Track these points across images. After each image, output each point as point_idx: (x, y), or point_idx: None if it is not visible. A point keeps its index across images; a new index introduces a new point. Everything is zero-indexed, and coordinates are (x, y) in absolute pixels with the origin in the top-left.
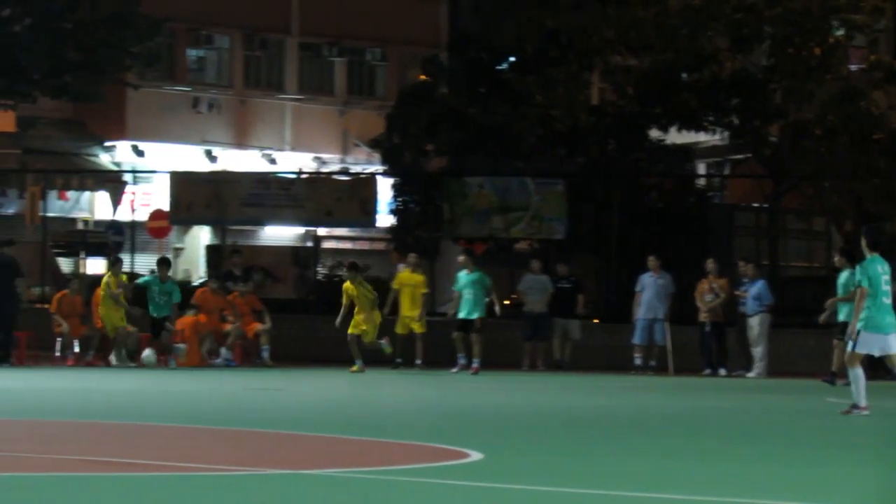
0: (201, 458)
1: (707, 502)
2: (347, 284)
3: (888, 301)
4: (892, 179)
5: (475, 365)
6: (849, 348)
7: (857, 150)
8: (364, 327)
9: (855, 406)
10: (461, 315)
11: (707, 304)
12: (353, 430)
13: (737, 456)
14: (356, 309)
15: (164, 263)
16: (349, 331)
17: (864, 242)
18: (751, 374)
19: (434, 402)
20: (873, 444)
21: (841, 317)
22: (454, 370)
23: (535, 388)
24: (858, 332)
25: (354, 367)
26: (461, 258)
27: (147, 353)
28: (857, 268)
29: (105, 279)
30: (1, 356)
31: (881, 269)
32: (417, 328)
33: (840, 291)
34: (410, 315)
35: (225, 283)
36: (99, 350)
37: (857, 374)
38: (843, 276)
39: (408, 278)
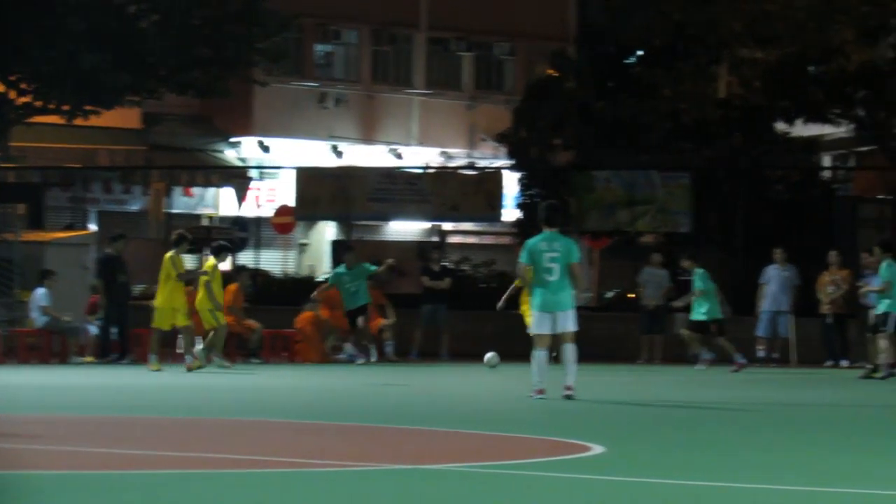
0: (323, 454)
1: (828, 494)
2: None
3: (551, 278)
4: None
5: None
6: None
7: None
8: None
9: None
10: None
11: (829, 296)
12: (476, 425)
13: (859, 448)
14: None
15: (348, 250)
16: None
17: (539, 217)
18: None
19: (556, 395)
20: None
21: (880, 309)
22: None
23: (654, 381)
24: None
25: (195, 363)
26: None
27: (489, 356)
28: (525, 243)
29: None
30: (119, 354)
31: (546, 245)
32: None
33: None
34: None
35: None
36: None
37: (538, 355)
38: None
39: None
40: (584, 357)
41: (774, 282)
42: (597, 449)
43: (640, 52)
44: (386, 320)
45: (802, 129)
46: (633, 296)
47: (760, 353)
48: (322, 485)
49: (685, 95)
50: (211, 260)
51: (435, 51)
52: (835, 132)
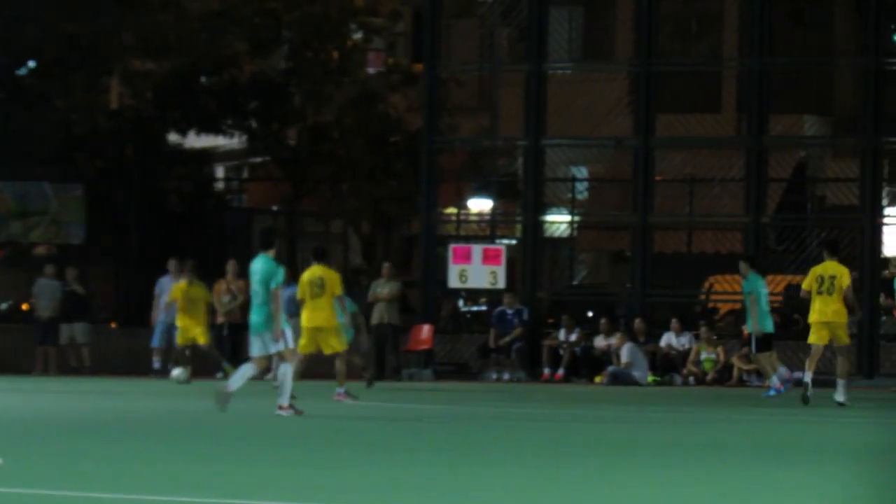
0: None
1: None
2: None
3: (257, 301)
4: (409, 181)
5: None
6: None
7: (374, 153)
8: None
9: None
10: None
11: (225, 306)
12: None
13: (221, 457)
14: None
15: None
16: None
17: (257, 242)
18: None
19: None
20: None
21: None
22: None
23: (50, 392)
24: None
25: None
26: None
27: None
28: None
29: None
30: None
31: (258, 266)
32: None
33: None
34: None
35: None
36: None
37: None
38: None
39: None
40: None
41: (168, 293)
42: None
43: (32, 64)
44: None
45: (195, 141)
46: (27, 307)
47: (156, 365)
48: None
49: (77, 106)
50: None
51: None
52: (228, 143)
